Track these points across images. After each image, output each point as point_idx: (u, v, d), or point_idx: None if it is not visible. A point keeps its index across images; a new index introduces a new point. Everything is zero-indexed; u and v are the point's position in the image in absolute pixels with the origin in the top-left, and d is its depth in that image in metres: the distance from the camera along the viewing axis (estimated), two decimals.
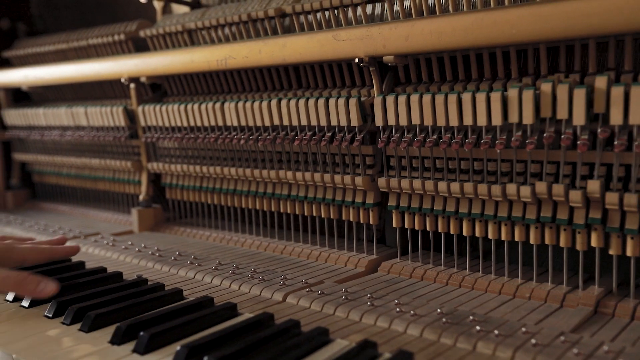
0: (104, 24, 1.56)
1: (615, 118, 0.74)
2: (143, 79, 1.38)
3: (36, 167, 1.85)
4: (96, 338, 0.74)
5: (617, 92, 0.74)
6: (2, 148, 1.88)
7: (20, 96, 1.86)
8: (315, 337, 0.71)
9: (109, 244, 1.26)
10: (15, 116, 1.78)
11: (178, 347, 0.66)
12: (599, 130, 0.76)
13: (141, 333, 0.70)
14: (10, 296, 0.91)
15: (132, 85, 1.41)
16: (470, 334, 0.71)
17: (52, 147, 1.76)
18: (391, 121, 0.96)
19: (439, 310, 0.80)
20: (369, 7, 1.06)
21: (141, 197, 1.47)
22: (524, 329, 0.72)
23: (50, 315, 0.82)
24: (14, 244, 0.95)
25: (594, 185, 0.79)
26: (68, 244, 1.29)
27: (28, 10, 1.97)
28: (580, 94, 0.77)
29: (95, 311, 0.78)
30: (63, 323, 0.80)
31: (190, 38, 1.31)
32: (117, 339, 0.72)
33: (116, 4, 1.73)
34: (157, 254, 1.15)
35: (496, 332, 0.71)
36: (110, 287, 0.92)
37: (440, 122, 0.91)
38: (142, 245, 1.23)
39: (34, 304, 0.87)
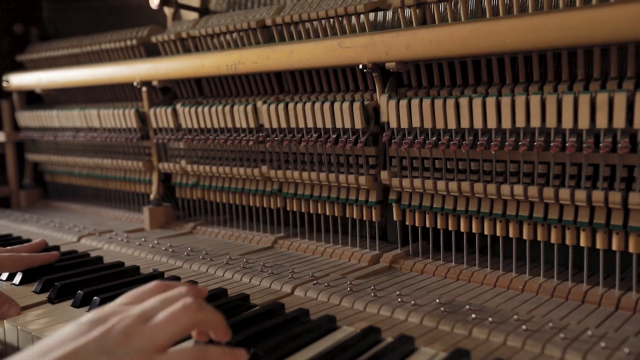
0: (114, 28, 1.63)
1: (601, 122, 0.81)
2: (155, 83, 1.44)
3: (48, 167, 1.91)
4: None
5: (602, 98, 0.80)
6: (15, 149, 1.94)
7: (32, 98, 1.92)
8: (324, 324, 0.77)
9: (123, 240, 1.32)
10: (29, 118, 1.84)
11: None
12: (583, 145, 0.82)
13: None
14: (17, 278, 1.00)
15: (144, 89, 1.47)
16: (466, 321, 0.78)
17: (65, 147, 1.82)
18: (393, 124, 1.02)
19: (437, 300, 0.86)
20: (371, 15, 1.12)
21: (152, 196, 1.53)
22: (515, 317, 0.78)
23: (77, 306, 0.88)
24: None
25: (580, 195, 0.85)
26: (84, 240, 1.36)
27: (39, 14, 2.03)
28: (568, 100, 0.83)
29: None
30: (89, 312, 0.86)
31: (200, 43, 1.37)
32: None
33: (126, 10, 1.79)
34: (170, 250, 1.21)
35: (490, 319, 0.77)
36: (130, 279, 0.98)
37: (439, 124, 0.97)
38: (155, 241, 1.29)
39: (60, 296, 0.93)
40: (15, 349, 0.81)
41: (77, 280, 0.96)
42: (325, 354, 0.67)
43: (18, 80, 1.83)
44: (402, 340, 0.71)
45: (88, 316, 0.58)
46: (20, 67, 1.91)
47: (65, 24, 2.01)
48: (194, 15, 1.53)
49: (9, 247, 1.07)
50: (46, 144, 1.88)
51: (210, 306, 0.63)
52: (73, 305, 0.89)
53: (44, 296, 0.94)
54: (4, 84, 1.87)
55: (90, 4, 1.92)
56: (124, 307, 0.59)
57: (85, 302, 0.89)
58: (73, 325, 0.57)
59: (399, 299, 0.87)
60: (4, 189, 1.93)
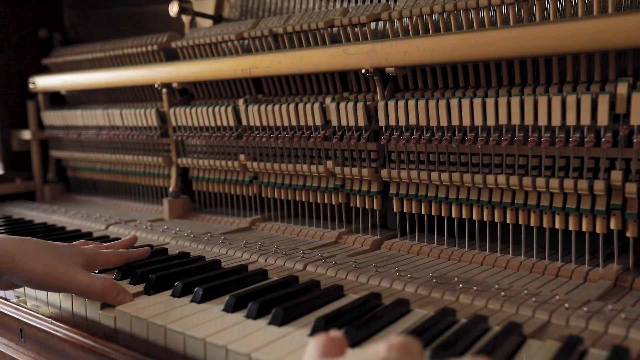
0: (132, 34, 1.76)
1: (570, 120, 0.94)
2: (175, 85, 1.57)
3: (71, 163, 2.05)
4: (161, 295, 0.94)
5: (571, 99, 0.93)
6: (39, 146, 2.07)
7: (56, 99, 2.06)
8: (333, 292, 0.90)
9: (148, 228, 1.45)
10: (54, 117, 1.97)
11: (227, 297, 0.86)
12: (556, 140, 0.96)
13: (196, 288, 0.90)
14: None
15: (164, 90, 1.61)
16: (454, 290, 0.91)
17: (87, 144, 1.95)
18: (392, 122, 1.16)
19: (430, 274, 0.99)
20: (372, 25, 1.25)
21: (171, 189, 1.66)
22: (497, 286, 0.92)
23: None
24: (98, 250, 1.04)
25: (554, 183, 0.98)
26: (112, 228, 1.49)
27: (61, 20, 2.17)
28: (543, 101, 0.96)
29: (156, 274, 0.97)
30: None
31: (216, 48, 1.50)
32: (177, 293, 0.91)
33: (145, 17, 1.92)
34: (192, 236, 1.34)
35: (475, 288, 0.91)
36: (159, 258, 1.12)
37: (433, 122, 1.10)
38: (177, 229, 1.42)
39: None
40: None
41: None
42: (334, 312, 0.80)
43: (44, 82, 1.97)
44: (399, 302, 0.84)
45: None
46: (44, 70, 2.04)
47: (86, 29, 2.14)
48: (208, 22, 1.67)
49: (106, 244, 1.12)
50: (69, 142, 2.02)
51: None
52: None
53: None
54: (31, 86, 2.01)
55: (109, 11, 2.05)
56: None
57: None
58: None
59: (397, 274, 1.00)
60: (30, 183, 2.06)
